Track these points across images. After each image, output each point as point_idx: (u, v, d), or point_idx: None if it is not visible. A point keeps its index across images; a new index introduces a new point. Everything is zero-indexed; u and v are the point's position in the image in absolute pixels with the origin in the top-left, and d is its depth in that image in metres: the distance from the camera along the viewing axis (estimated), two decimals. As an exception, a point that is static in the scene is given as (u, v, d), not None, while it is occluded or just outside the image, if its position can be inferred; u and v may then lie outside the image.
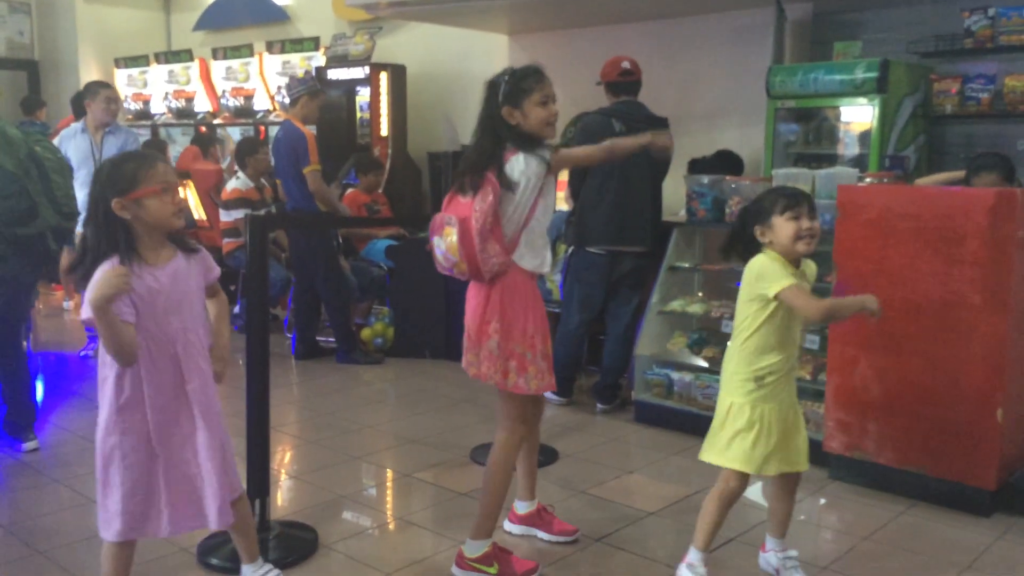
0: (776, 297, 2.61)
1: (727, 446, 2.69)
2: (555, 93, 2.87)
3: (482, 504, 2.90)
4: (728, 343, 2.84)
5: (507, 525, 3.26)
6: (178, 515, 2.40)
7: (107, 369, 2.34)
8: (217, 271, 2.56)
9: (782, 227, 2.65)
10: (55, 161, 3.99)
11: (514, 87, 2.80)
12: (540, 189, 2.81)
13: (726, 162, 5.42)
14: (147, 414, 2.33)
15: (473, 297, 2.90)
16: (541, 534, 3.20)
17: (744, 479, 2.72)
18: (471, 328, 2.89)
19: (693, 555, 2.80)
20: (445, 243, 2.79)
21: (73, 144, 5.48)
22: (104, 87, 5.69)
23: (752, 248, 2.74)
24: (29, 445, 4.10)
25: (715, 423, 2.76)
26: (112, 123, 5.56)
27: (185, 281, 2.40)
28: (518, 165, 2.76)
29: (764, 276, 2.65)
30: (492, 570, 2.84)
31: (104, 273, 2.17)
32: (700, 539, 2.78)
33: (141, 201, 2.27)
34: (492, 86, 2.85)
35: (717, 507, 2.75)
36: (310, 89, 5.80)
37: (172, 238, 2.41)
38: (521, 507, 3.25)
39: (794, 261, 2.69)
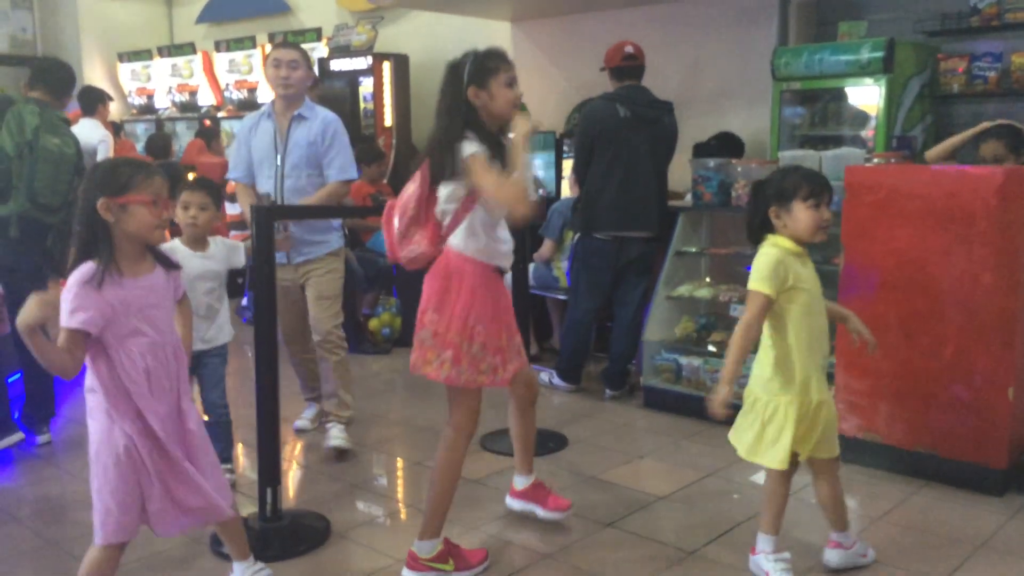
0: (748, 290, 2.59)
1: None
2: (516, 76, 2.80)
3: (429, 503, 2.82)
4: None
5: (508, 500, 3.28)
6: (176, 513, 2.38)
7: (91, 381, 2.32)
8: (183, 289, 2.54)
9: (802, 215, 2.56)
10: (56, 153, 3.98)
11: (480, 67, 2.74)
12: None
13: (727, 144, 5.40)
14: (130, 421, 2.30)
15: (425, 285, 2.83)
16: (538, 510, 3.20)
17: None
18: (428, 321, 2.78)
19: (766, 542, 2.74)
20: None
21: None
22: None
23: (763, 230, 2.66)
24: (42, 438, 4.13)
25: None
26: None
27: (160, 295, 2.36)
28: (464, 147, 2.64)
29: (764, 272, 2.58)
30: (448, 567, 2.80)
31: (33, 298, 2.12)
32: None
33: (127, 207, 2.23)
34: (454, 68, 2.77)
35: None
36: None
37: (152, 251, 2.37)
38: (519, 482, 3.26)
39: (802, 244, 2.64)
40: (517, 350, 2.90)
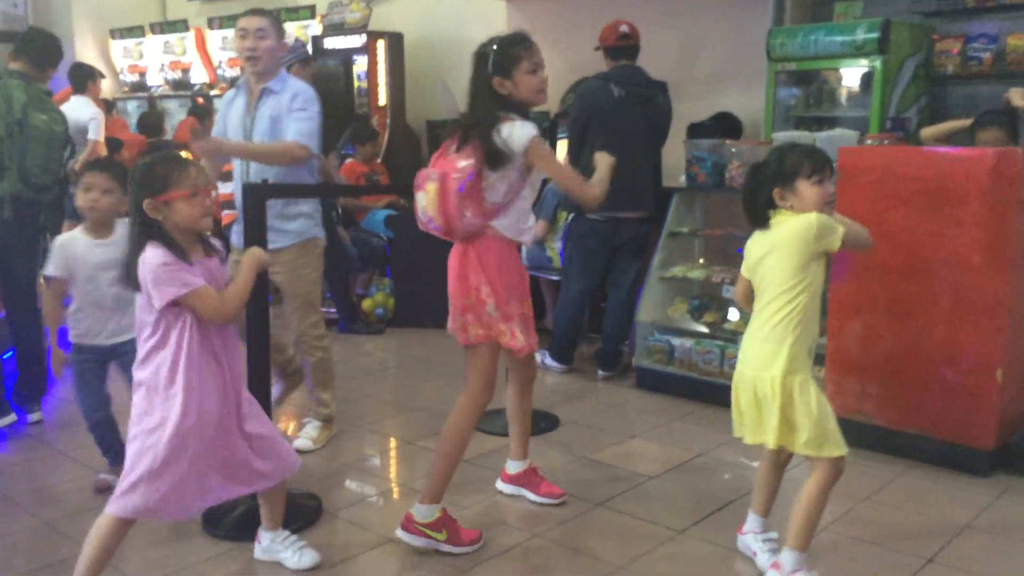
0: (841, 244, 2.49)
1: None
2: (543, 59, 2.83)
3: (434, 469, 2.86)
4: (755, 315, 2.62)
5: (498, 484, 3.31)
6: (247, 475, 2.53)
7: (161, 355, 2.39)
8: (228, 276, 2.61)
9: (808, 192, 2.48)
10: (46, 131, 3.96)
11: (502, 56, 2.76)
12: (529, 168, 2.82)
13: (724, 125, 5.38)
14: (197, 398, 2.38)
15: (456, 263, 2.89)
16: (529, 495, 3.24)
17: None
18: (456, 293, 2.88)
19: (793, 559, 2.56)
20: (426, 198, 2.79)
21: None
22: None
23: (767, 210, 2.56)
24: (33, 416, 4.13)
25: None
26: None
27: (217, 277, 2.48)
28: (516, 129, 2.74)
29: (825, 232, 2.47)
30: (441, 536, 2.82)
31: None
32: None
33: (171, 203, 2.34)
34: (480, 57, 2.81)
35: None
36: (300, 57, 5.74)
37: (202, 240, 2.48)
38: (512, 467, 3.28)
39: None
40: (532, 326, 2.98)
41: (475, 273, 2.83)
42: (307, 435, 3.84)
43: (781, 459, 2.74)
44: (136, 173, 2.40)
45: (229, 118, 3.77)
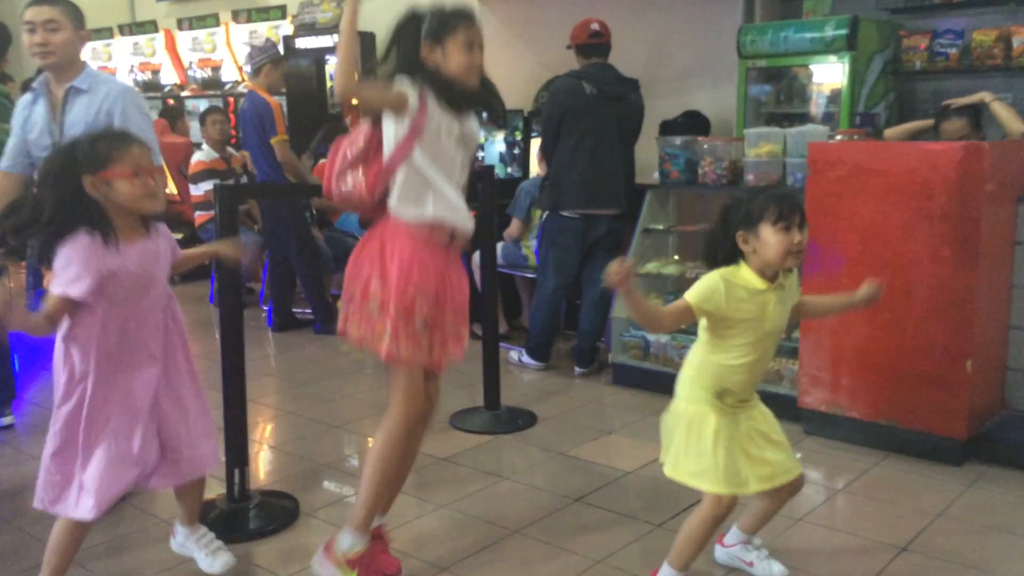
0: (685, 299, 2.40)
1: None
2: (483, 41, 2.53)
3: (360, 492, 2.57)
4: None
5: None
6: (168, 466, 2.46)
7: (64, 345, 2.34)
8: (179, 251, 2.53)
9: (770, 239, 2.35)
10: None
11: (439, 23, 2.48)
12: (417, 128, 2.44)
13: (693, 122, 5.43)
14: (107, 385, 2.33)
15: (357, 250, 2.57)
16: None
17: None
18: (348, 284, 2.53)
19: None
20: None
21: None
22: None
23: (733, 255, 2.44)
24: (5, 421, 4.07)
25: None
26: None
27: (152, 263, 2.38)
28: (398, 82, 2.47)
29: (697, 296, 2.40)
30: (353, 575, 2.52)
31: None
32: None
33: (112, 182, 2.24)
34: (413, 19, 2.53)
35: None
36: (272, 57, 5.73)
37: (144, 219, 2.36)
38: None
39: (772, 274, 2.42)
40: (454, 340, 2.60)
41: (370, 262, 2.49)
42: None
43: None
44: (76, 149, 2.27)
45: (30, 126, 3.25)
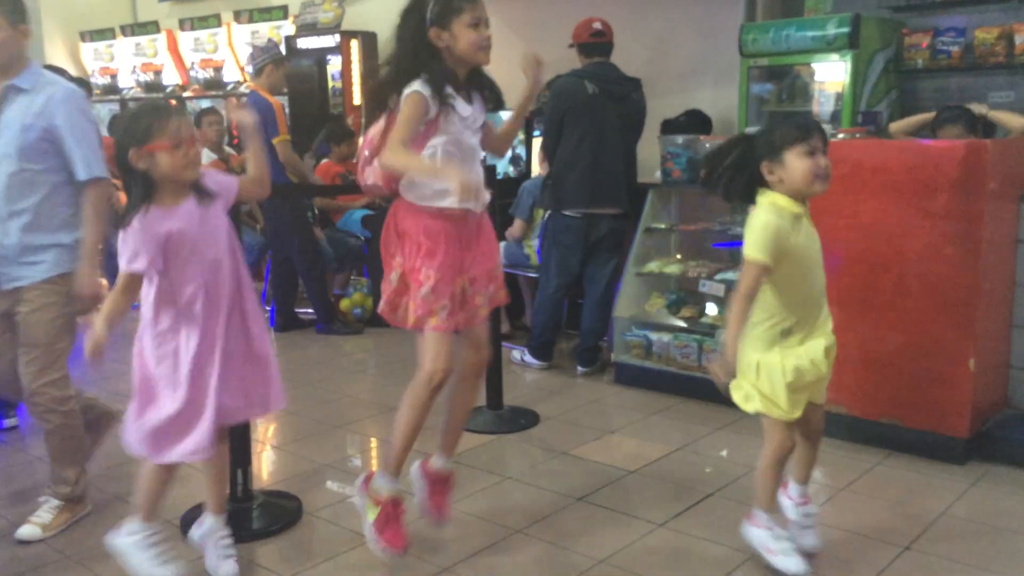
0: (744, 258, 2.44)
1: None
2: (488, 17, 2.64)
3: (391, 443, 2.79)
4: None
5: (413, 471, 2.98)
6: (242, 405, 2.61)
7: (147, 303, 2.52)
8: (235, 187, 2.66)
9: (796, 164, 2.37)
10: None
11: (443, 6, 2.58)
12: (434, 124, 2.62)
13: (695, 121, 5.43)
14: (187, 338, 2.49)
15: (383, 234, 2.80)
16: (420, 499, 2.94)
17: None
18: (384, 267, 2.79)
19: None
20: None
21: None
22: None
23: (753, 186, 2.46)
24: (9, 422, 4.08)
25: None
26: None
27: (205, 220, 2.51)
28: (409, 85, 2.60)
29: (748, 233, 2.45)
30: (371, 514, 2.74)
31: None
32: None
33: (154, 154, 2.40)
34: (417, 5, 2.63)
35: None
36: (274, 57, 5.72)
37: (193, 187, 2.51)
38: (435, 461, 2.95)
39: (800, 198, 2.46)
40: (477, 305, 2.76)
41: (386, 244, 2.76)
42: (39, 519, 3.02)
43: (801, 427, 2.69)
44: (120, 124, 2.49)
45: None
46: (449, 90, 2.62)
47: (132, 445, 2.56)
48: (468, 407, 2.99)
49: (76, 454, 3.11)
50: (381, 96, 2.70)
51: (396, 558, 2.74)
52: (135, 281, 2.46)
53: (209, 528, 2.74)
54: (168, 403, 2.49)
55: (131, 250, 2.41)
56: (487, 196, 2.79)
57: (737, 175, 2.51)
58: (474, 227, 2.77)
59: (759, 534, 2.69)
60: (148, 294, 2.50)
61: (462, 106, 2.66)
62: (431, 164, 2.64)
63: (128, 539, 2.61)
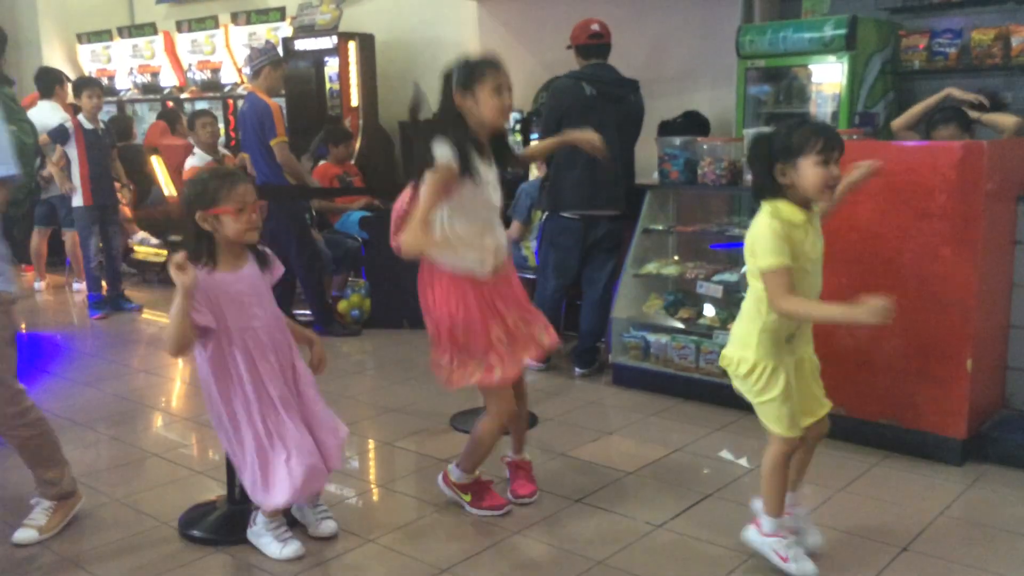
0: (762, 272, 2.43)
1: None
2: (511, 84, 2.86)
3: (464, 452, 3.13)
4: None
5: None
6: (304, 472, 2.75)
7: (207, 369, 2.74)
8: (280, 271, 2.88)
9: (809, 172, 2.38)
10: (18, 144, 3.85)
11: (467, 71, 2.80)
12: (446, 190, 2.78)
13: (693, 122, 5.43)
14: (249, 392, 2.72)
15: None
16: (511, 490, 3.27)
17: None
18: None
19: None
20: None
21: None
22: None
23: (776, 188, 2.44)
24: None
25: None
26: None
27: (258, 283, 2.77)
28: (437, 148, 2.77)
29: (755, 248, 2.45)
30: (466, 497, 3.12)
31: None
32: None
33: (220, 217, 2.61)
34: (447, 74, 2.85)
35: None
36: (272, 59, 5.72)
37: (252, 249, 2.77)
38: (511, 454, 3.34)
39: (808, 204, 2.47)
40: (517, 354, 3.01)
41: (425, 306, 3.00)
42: (33, 522, 3.00)
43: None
44: (191, 187, 2.70)
45: None
46: (473, 155, 2.80)
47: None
48: (525, 408, 3.34)
49: (53, 456, 3.07)
50: (418, 153, 2.84)
51: (503, 515, 3.10)
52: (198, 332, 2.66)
53: (263, 523, 2.88)
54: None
55: (198, 306, 2.60)
56: (503, 254, 3.01)
57: (757, 177, 2.53)
58: (503, 277, 3.01)
59: (770, 543, 2.67)
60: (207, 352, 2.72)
61: (484, 169, 2.85)
62: (444, 241, 2.84)
63: (254, 528, 2.88)
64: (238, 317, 2.69)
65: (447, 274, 2.90)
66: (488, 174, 2.88)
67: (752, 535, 2.72)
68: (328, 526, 2.97)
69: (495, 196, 2.93)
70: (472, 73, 2.79)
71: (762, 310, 2.55)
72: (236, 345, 2.69)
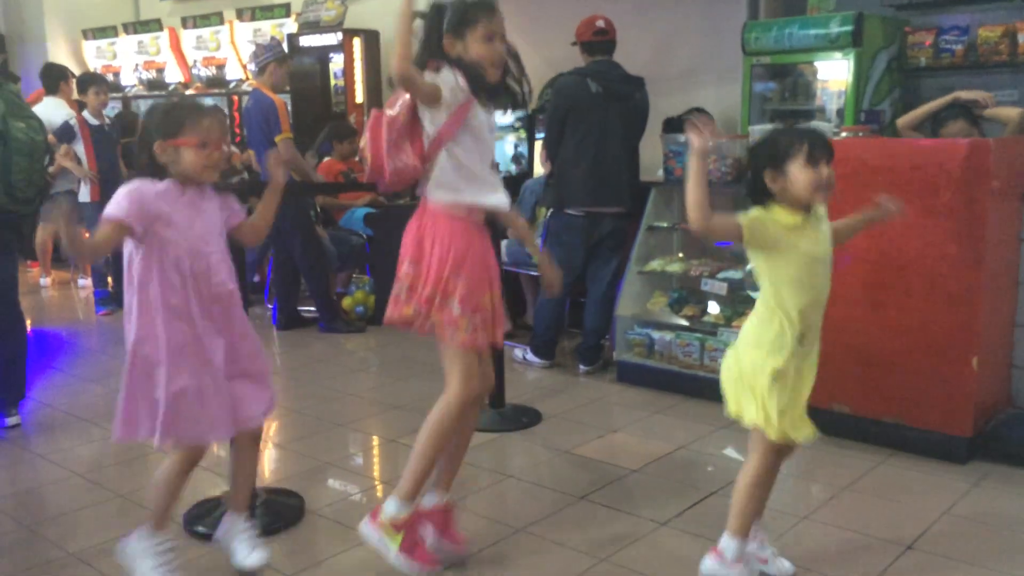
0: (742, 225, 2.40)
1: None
2: (505, 31, 2.56)
3: (409, 462, 2.63)
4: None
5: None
6: (222, 421, 2.51)
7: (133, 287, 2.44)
8: (241, 216, 2.63)
9: (798, 175, 2.36)
10: (27, 142, 3.87)
11: (460, 16, 2.50)
12: (464, 117, 2.53)
13: (698, 120, 5.42)
14: (170, 326, 2.42)
15: (409, 238, 2.66)
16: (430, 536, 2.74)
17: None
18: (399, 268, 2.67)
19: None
20: (364, 139, 2.61)
21: None
22: None
23: (766, 194, 2.43)
24: (11, 420, 4.08)
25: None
26: None
27: (200, 221, 2.47)
28: (443, 77, 2.50)
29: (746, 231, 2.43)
30: (394, 541, 2.59)
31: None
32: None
33: (179, 149, 2.39)
34: (437, 11, 2.54)
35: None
36: (277, 55, 5.72)
37: (213, 187, 2.51)
38: (428, 500, 2.75)
39: (804, 207, 2.44)
40: (498, 322, 2.68)
41: (405, 247, 2.63)
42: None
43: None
44: (154, 114, 2.46)
45: None
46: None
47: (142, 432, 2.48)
48: (469, 437, 2.85)
49: None
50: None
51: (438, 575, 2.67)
52: (115, 232, 2.37)
53: (231, 525, 2.72)
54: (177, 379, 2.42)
55: (118, 199, 2.36)
56: (507, 202, 2.74)
57: (750, 186, 2.51)
58: (488, 239, 2.69)
59: (724, 571, 2.52)
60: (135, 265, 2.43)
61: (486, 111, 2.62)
62: (451, 170, 2.57)
63: (137, 545, 2.58)
64: (173, 245, 2.41)
65: (448, 219, 2.58)
66: (490, 117, 2.64)
67: (712, 567, 2.54)
68: (260, 556, 2.65)
69: (491, 139, 2.70)
70: (464, 17, 2.50)
71: (773, 308, 2.53)
72: (182, 254, 2.41)
